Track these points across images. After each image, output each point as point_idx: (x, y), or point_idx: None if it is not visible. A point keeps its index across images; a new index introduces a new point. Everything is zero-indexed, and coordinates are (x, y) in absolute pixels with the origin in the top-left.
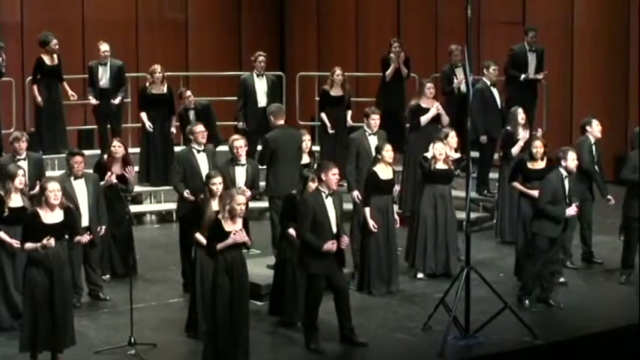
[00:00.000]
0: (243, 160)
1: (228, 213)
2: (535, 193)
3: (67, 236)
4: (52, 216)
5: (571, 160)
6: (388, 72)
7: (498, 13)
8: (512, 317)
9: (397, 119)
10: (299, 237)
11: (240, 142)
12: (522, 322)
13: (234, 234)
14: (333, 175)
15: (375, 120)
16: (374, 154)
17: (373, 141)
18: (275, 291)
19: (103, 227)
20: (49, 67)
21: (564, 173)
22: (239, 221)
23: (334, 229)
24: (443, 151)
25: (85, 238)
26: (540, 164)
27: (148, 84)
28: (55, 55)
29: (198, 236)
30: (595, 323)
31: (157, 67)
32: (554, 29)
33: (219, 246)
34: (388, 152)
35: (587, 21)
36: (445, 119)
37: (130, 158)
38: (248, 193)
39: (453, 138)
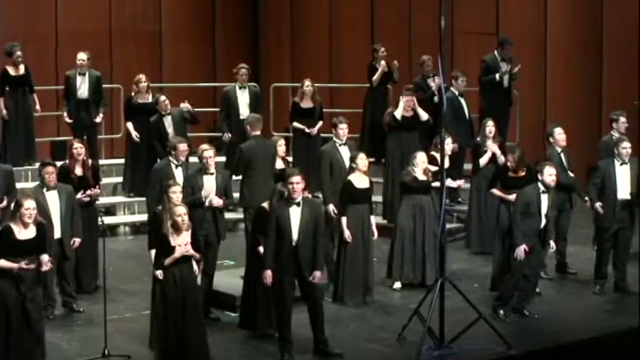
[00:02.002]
0: (212, 169)
1: (172, 227)
2: (513, 197)
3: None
4: (25, 232)
5: (548, 175)
6: (375, 77)
7: (472, 23)
8: (487, 327)
9: (381, 127)
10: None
11: (209, 152)
12: (497, 332)
13: (181, 246)
14: (289, 184)
15: (344, 130)
16: (347, 163)
17: (344, 151)
18: (245, 303)
19: (77, 240)
20: (14, 78)
21: (541, 188)
22: (186, 234)
23: (294, 240)
24: (425, 160)
25: (47, 266)
26: (519, 173)
27: (133, 94)
28: (21, 66)
29: (152, 253)
30: (569, 333)
31: (142, 77)
32: (527, 40)
33: (167, 261)
34: (362, 160)
35: (560, 32)
36: (423, 115)
37: (90, 163)
38: (220, 202)
39: (447, 145)
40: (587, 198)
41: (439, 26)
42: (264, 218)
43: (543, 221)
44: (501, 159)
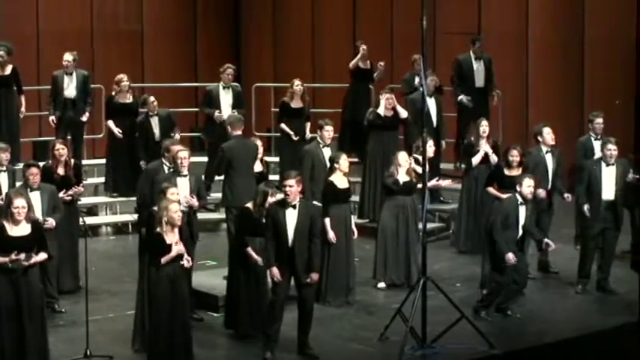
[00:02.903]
0: (185, 171)
1: (168, 224)
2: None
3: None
4: (18, 229)
5: (526, 187)
6: (353, 62)
7: (453, 24)
8: (469, 327)
9: (362, 127)
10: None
11: (184, 153)
12: (479, 331)
13: (176, 244)
14: (283, 187)
15: (329, 132)
16: (328, 165)
17: (327, 153)
18: (229, 304)
19: (51, 220)
20: None
21: (519, 199)
22: (175, 232)
23: (290, 242)
24: (407, 159)
25: (41, 256)
26: (517, 171)
27: (114, 93)
28: (9, 66)
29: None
30: (551, 333)
31: (124, 77)
32: (508, 40)
33: (164, 260)
34: (345, 162)
35: (541, 31)
36: (402, 113)
37: (72, 163)
38: (196, 203)
39: (430, 147)
40: (567, 195)
41: (421, 26)
42: (249, 219)
43: (520, 232)
44: (493, 158)
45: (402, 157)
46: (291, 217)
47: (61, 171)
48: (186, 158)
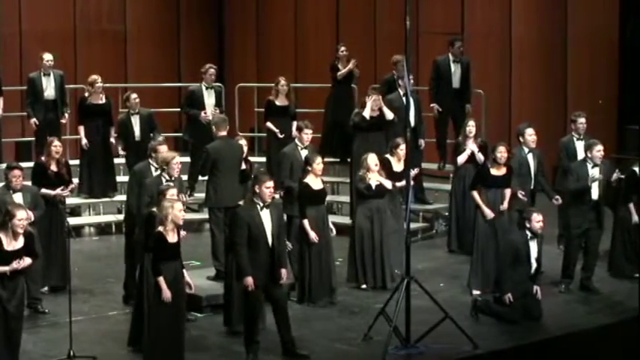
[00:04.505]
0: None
1: (172, 223)
2: (488, 212)
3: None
4: (14, 243)
5: (535, 222)
6: (340, 73)
7: (437, 24)
8: (453, 327)
9: (345, 129)
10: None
11: (179, 159)
12: (463, 331)
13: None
14: (266, 188)
15: (308, 134)
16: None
17: (305, 154)
18: (227, 301)
19: (30, 212)
20: None
21: (529, 234)
22: (175, 231)
23: (270, 242)
24: (377, 162)
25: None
26: (502, 170)
27: (87, 94)
28: None
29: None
30: (535, 332)
31: (98, 78)
32: (492, 40)
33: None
34: (319, 165)
35: (525, 32)
36: (388, 114)
37: (64, 161)
38: None
39: (402, 150)
40: (557, 197)
41: (405, 26)
42: None
43: (534, 265)
44: (479, 157)
45: (372, 160)
46: (267, 217)
47: (54, 168)
48: (179, 164)
